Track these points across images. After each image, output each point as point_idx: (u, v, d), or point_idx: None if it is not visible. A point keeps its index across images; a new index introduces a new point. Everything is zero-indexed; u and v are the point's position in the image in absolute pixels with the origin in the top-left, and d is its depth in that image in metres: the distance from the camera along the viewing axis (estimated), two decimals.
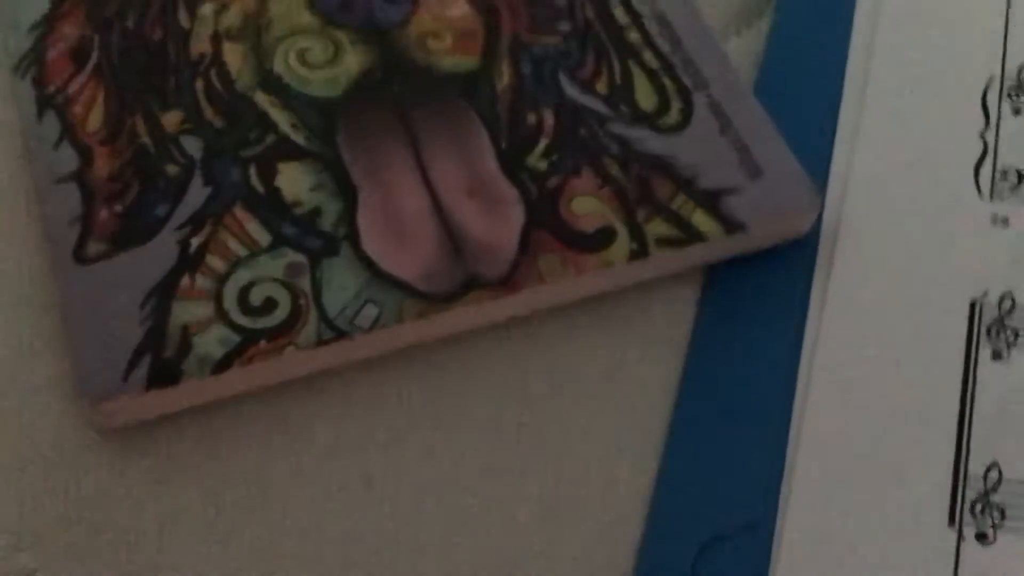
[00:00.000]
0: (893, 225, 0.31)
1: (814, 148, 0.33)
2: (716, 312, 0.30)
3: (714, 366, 0.29)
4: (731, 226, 0.29)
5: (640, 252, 0.29)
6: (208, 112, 0.30)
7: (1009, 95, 0.34)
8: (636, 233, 0.29)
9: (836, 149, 0.33)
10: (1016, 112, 0.34)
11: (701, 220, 0.29)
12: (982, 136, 0.32)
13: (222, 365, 0.26)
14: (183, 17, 0.32)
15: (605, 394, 0.28)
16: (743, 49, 0.36)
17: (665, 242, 0.29)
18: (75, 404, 0.27)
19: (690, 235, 0.29)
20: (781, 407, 0.28)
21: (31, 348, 0.27)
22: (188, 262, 0.27)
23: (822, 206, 0.31)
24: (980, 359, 0.29)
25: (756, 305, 0.30)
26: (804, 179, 0.30)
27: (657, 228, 0.29)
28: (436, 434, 0.27)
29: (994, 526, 0.26)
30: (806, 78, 0.35)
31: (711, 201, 0.30)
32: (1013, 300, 0.30)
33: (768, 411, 0.28)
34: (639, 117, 0.31)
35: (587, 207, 0.29)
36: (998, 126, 0.33)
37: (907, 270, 0.30)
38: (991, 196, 0.32)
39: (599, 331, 0.29)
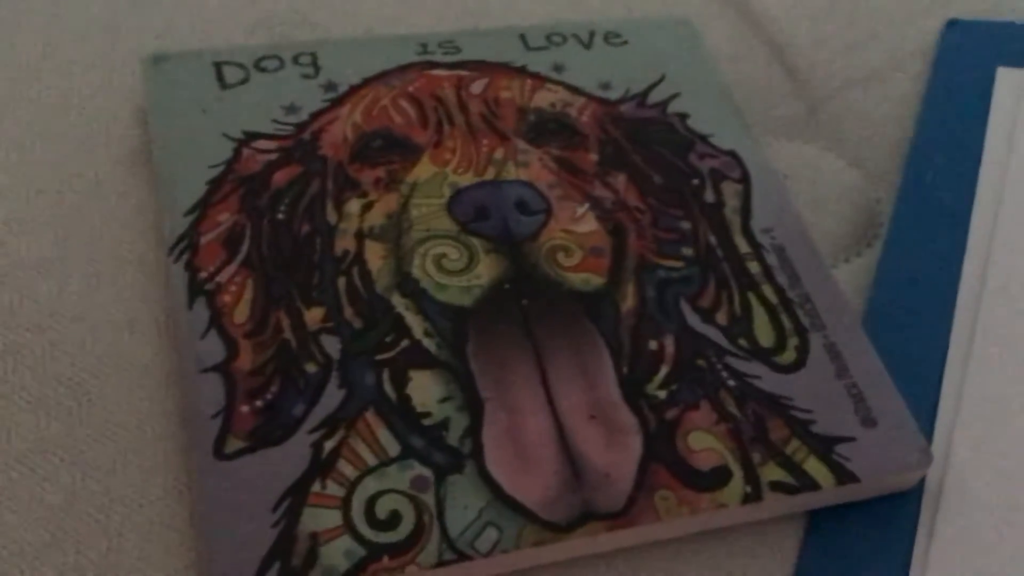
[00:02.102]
0: (1000, 479, 0.32)
1: (920, 389, 0.34)
2: (817, 557, 0.30)
3: None
4: (844, 477, 0.30)
5: (754, 496, 0.29)
6: (348, 312, 0.31)
7: None
8: (751, 476, 0.30)
9: (943, 391, 0.34)
10: None
11: (815, 468, 0.30)
12: None
13: None
14: (330, 212, 0.34)
15: None
16: (851, 278, 0.37)
17: (778, 488, 0.29)
18: None
19: (803, 483, 0.30)
20: None
21: (160, 537, 0.28)
22: (320, 467, 0.28)
23: (931, 459, 0.31)
24: None
25: (858, 554, 0.30)
26: (917, 434, 0.31)
27: (771, 473, 0.30)
28: None
29: None
30: (914, 315, 0.36)
31: (825, 449, 0.30)
32: None
33: None
34: (757, 352, 0.32)
35: (703, 443, 0.30)
36: None
37: (1015, 527, 0.31)
38: None
39: (702, 566, 0.30)
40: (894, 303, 0.36)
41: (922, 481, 0.32)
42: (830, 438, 0.31)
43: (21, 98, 0.38)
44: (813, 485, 0.30)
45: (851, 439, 0.31)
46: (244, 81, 0.37)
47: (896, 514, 0.31)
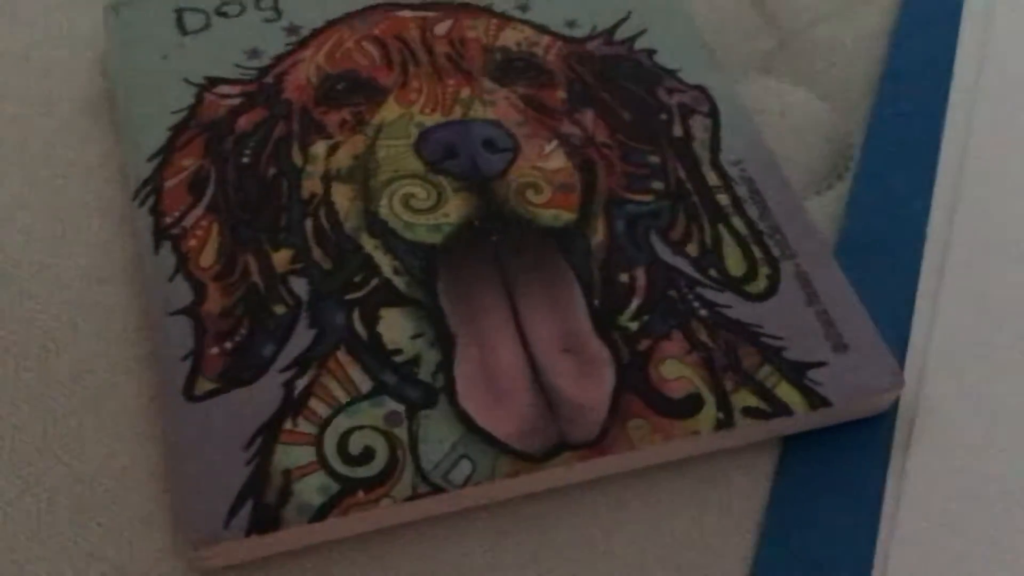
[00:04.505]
0: (973, 401, 0.32)
1: (892, 317, 0.34)
2: (792, 483, 0.30)
3: (790, 538, 0.29)
4: (816, 402, 0.30)
5: (726, 422, 0.29)
6: (316, 253, 0.31)
7: None
8: (723, 402, 0.30)
9: (915, 319, 0.34)
10: None
11: (787, 393, 0.30)
12: None
13: (320, 514, 0.27)
14: (296, 155, 0.33)
15: (683, 558, 0.29)
16: (822, 210, 0.37)
17: (751, 413, 0.30)
18: (172, 541, 0.28)
19: (775, 408, 0.30)
20: None
21: (134, 479, 0.28)
22: (292, 405, 0.28)
23: (903, 382, 0.31)
24: None
25: (832, 478, 0.31)
26: (889, 357, 0.31)
27: (744, 399, 0.30)
28: None
29: None
30: (885, 245, 0.36)
31: (797, 374, 0.30)
32: None
33: None
34: (728, 282, 0.32)
35: (676, 372, 0.30)
36: None
37: (988, 449, 0.31)
38: None
39: (678, 494, 0.30)
40: (866, 233, 0.36)
41: (895, 405, 0.32)
42: (802, 364, 0.31)
43: None
44: (786, 410, 0.30)
45: (823, 364, 0.31)
46: (205, 27, 0.36)
47: (870, 438, 0.31)
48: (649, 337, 0.31)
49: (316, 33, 0.37)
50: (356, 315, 0.30)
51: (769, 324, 0.32)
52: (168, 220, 0.31)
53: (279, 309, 0.30)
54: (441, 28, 0.38)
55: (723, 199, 0.34)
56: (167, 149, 0.33)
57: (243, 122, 0.34)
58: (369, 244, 0.32)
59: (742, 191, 0.35)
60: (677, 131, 0.36)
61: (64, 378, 0.30)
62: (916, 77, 0.40)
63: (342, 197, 0.33)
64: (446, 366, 0.30)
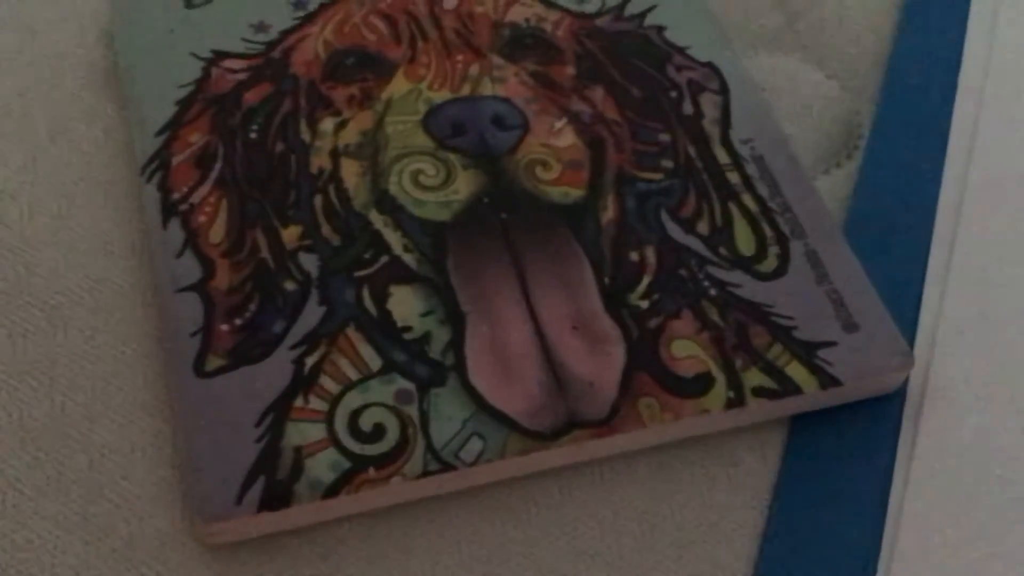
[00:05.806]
0: (982, 380, 0.32)
1: (902, 296, 0.34)
2: (801, 461, 0.31)
3: (799, 516, 0.30)
4: (826, 381, 0.30)
5: (737, 401, 0.29)
6: (325, 229, 0.31)
7: None
8: (733, 381, 0.30)
9: (925, 298, 0.34)
10: None
11: (797, 373, 0.30)
12: None
13: (332, 490, 0.27)
14: (304, 131, 0.33)
15: (692, 537, 0.29)
16: (831, 189, 0.37)
17: (761, 392, 0.30)
18: (183, 517, 0.28)
19: (786, 387, 0.30)
20: (867, 558, 0.29)
21: (143, 455, 0.28)
22: (302, 382, 0.28)
23: (913, 361, 0.31)
24: None
25: (842, 457, 0.31)
26: (898, 337, 0.31)
27: (754, 378, 0.30)
28: (526, 562, 0.28)
29: None
30: (895, 224, 0.35)
31: (807, 354, 0.30)
32: None
33: (853, 562, 0.29)
34: (738, 261, 0.32)
35: (686, 350, 0.30)
36: None
37: (997, 428, 0.31)
38: None
39: (687, 473, 0.30)
40: (875, 211, 0.36)
41: (904, 384, 0.32)
42: (812, 343, 0.31)
43: None
44: (796, 389, 0.30)
45: (833, 344, 0.31)
46: (211, 0, 0.36)
47: (879, 418, 0.31)
48: (659, 316, 0.31)
49: (323, 8, 0.36)
50: (366, 292, 0.30)
51: (779, 303, 0.31)
52: (176, 196, 0.31)
53: (289, 285, 0.30)
54: (449, 2, 0.37)
55: (733, 177, 0.34)
56: (174, 124, 0.33)
57: (250, 97, 0.34)
58: (378, 221, 0.32)
59: (752, 169, 0.35)
60: (687, 108, 0.36)
61: (72, 354, 0.30)
62: (926, 54, 0.40)
63: (351, 173, 0.32)
64: (456, 344, 0.29)
